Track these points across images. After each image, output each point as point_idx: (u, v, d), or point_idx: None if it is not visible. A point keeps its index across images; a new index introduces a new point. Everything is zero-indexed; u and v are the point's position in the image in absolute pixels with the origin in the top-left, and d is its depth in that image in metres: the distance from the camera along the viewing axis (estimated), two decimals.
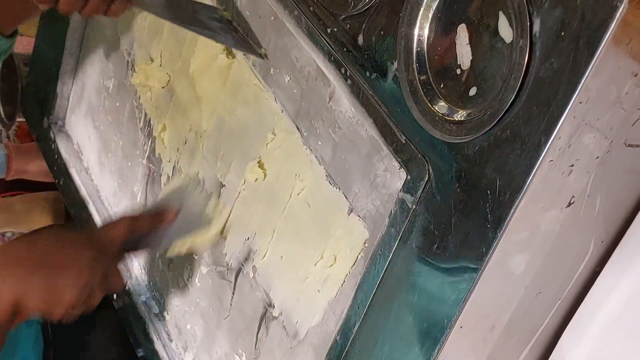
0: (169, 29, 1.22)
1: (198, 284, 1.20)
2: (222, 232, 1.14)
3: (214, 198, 1.16)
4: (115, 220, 1.08)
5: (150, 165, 1.30)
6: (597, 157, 0.71)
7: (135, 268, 1.36)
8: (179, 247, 1.14)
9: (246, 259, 1.09)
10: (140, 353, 1.31)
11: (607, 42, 0.63)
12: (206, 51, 1.14)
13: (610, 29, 0.62)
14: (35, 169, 1.83)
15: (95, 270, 0.99)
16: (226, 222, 1.13)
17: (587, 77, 0.64)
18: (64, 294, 0.96)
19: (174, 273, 1.26)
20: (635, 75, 0.66)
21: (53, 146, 1.53)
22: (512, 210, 0.71)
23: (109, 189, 1.44)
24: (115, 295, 1.36)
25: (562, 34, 0.65)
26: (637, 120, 0.70)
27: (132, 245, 1.09)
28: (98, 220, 1.43)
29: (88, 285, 0.98)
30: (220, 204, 1.15)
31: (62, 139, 1.53)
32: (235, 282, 1.12)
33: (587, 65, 0.64)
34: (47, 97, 1.53)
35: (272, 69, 1.01)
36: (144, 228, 1.09)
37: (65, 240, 1.02)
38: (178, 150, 1.23)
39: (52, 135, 1.53)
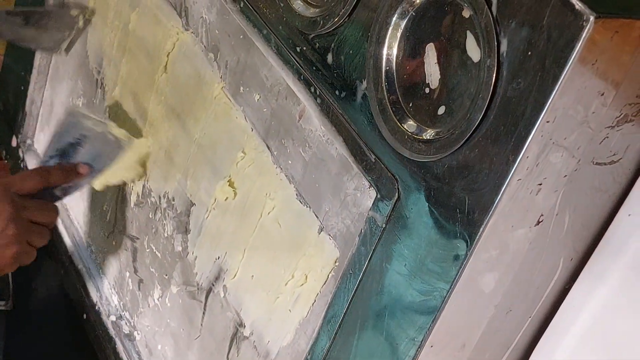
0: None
1: (168, 304, 1.19)
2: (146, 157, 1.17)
3: (111, 122, 1.17)
4: (28, 172, 1.10)
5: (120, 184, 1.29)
6: (565, 176, 0.71)
7: (105, 288, 1.34)
8: (106, 179, 1.17)
9: (217, 278, 1.08)
10: None
11: (573, 61, 0.63)
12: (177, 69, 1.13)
13: (577, 48, 0.63)
14: None
15: (18, 221, 1.03)
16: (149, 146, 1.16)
17: (554, 96, 0.64)
18: (4, 252, 1.02)
19: (144, 293, 1.25)
20: (602, 95, 0.67)
21: (22, 165, 1.51)
22: (481, 229, 0.71)
23: (78, 208, 1.42)
24: (85, 315, 1.35)
25: (529, 53, 0.65)
26: (604, 139, 0.70)
27: (49, 194, 1.10)
28: (68, 240, 1.41)
29: (20, 236, 1.03)
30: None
31: (31, 158, 1.51)
32: (206, 302, 1.11)
33: (554, 85, 0.64)
34: (16, 116, 1.51)
35: (241, 87, 1.01)
36: (57, 181, 1.10)
37: None
38: (148, 168, 1.22)
39: (21, 154, 1.52)
